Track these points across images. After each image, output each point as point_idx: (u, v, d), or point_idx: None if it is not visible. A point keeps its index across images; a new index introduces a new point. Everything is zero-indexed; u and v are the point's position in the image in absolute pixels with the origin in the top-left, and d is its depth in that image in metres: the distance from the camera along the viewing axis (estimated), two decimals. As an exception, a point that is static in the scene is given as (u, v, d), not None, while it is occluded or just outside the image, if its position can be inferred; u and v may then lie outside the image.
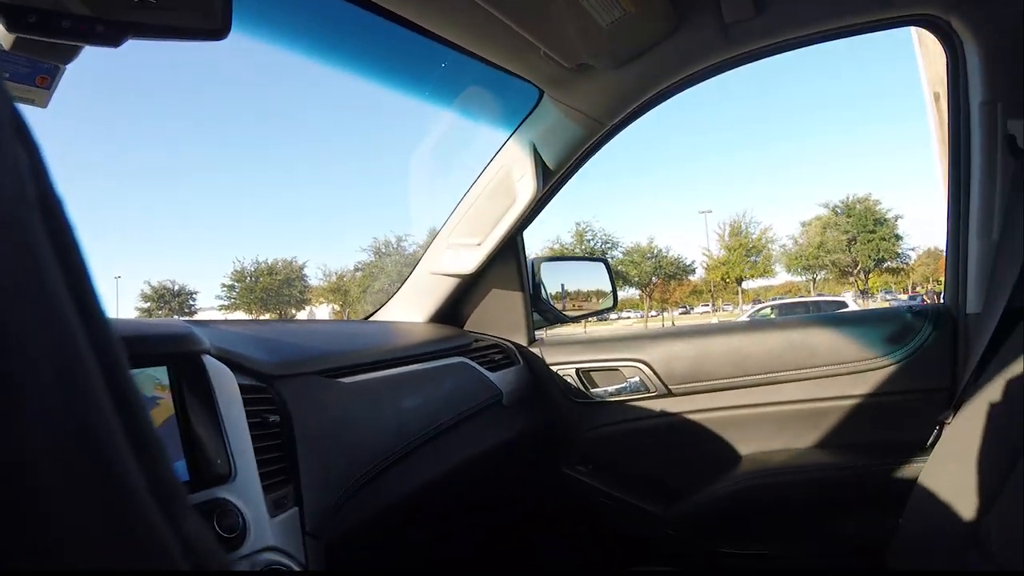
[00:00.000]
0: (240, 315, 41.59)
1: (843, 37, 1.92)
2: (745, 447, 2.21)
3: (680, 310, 48.99)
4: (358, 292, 43.47)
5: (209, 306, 45.22)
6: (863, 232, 40.38)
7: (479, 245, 2.25)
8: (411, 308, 2.40)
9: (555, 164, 2.17)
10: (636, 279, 44.09)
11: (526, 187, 2.12)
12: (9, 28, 0.90)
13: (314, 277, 46.67)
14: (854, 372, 2.08)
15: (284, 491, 1.27)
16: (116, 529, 0.23)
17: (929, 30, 1.88)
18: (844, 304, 28.07)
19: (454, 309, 2.43)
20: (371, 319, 2.47)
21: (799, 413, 2.15)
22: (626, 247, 45.10)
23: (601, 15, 1.64)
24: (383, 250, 44.62)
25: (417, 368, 1.88)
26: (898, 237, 40.09)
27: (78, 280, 0.26)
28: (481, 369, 2.12)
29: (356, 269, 45.45)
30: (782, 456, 2.16)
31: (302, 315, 44.55)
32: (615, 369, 2.31)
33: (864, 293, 41.25)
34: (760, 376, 2.16)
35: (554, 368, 2.37)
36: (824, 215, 41.97)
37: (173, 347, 1.18)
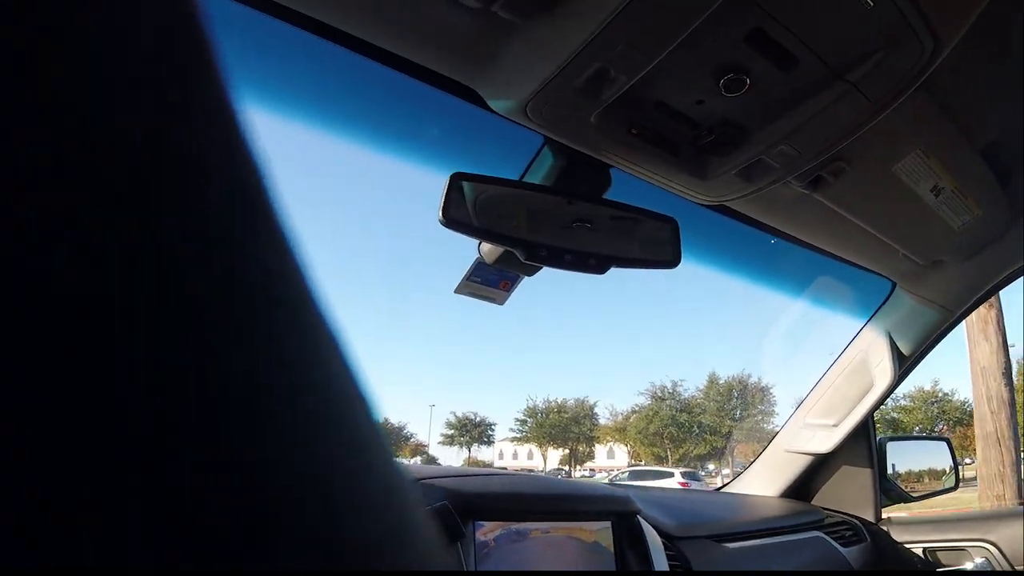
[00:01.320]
0: (531, 447, 46.13)
1: None
2: None
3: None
4: (634, 433, 43.78)
5: (503, 437, 48.75)
6: None
7: (835, 426, 2.36)
8: (765, 482, 2.53)
9: (908, 350, 2.28)
10: (911, 428, 38.36)
11: (883, 373, 2.23)
12: (526, 258, 1.21)
13: (603, 416, 47.88)
14: None
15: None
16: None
17: None
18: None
19: (804, 484, 2.52)
20: (724, 490, 2.64)
21: None
22: (904, 392, 40.88)
23: (954, 220, 1.78)
24: (659, 395, 44.97)
25: (782, 539, 2.02)
26: None
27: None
28: (835, 544, 2.21)
29: (633, 412, 46.04)
30: None
31: (600, 451, 47.29)
32: (962, 549, 2.30)
33: None
34: None
35: (901, 547, 2.39)
36: None
37: (617, 507, 1.45)
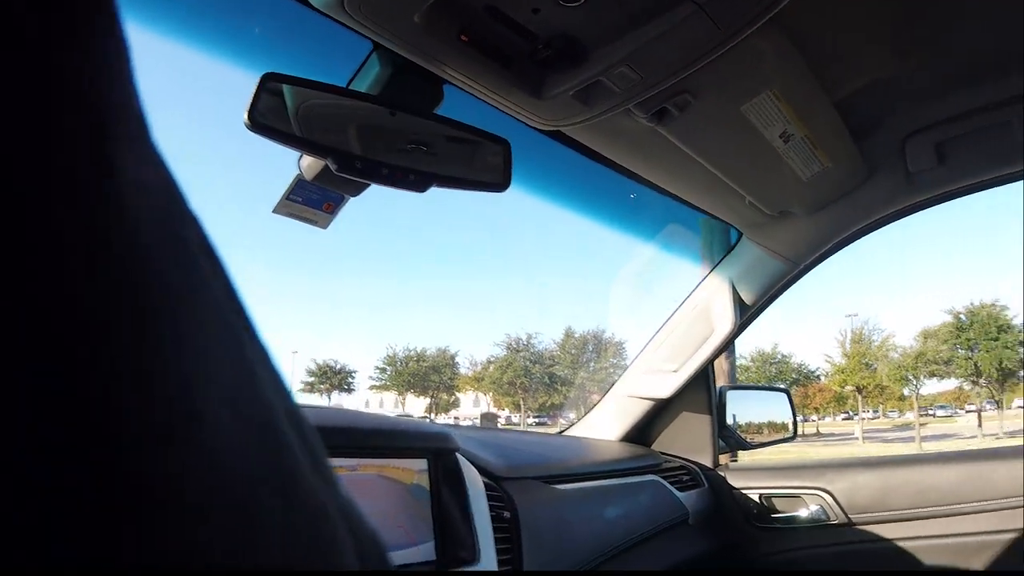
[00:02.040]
0: (390, 396, 47.62)
1: (1019, 180, 1.98)
2: None
3: (843, 416, 47.78)
4: (489, 383, 46.26)
5: (365, 386, 49.49)
6: (985, 340, 37.43)
7: (676, 372, 2.36)
8: (606, 426, 2.52)
9: (750, 300, 2.29)
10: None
11: (724, 321, 2.24)
12: (338, 169, 1.12)
13: (464, 366, 49.89)
14: None
15: (511, 581, 1.43)
16: (282, 487, 0.24)
17: None
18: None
19: (644, 430, 2.53)
20: (566, 434, 2.62)
21: (981, 545, 2.11)
22: (742, 352, 44.18)
23: (803, 170, 1.77)
24: (514, 346, 47.53)
25: (616, 482, 2.01)
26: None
27: (236, 295, 0.27)
28: (671, 488, 2.22)
29: (489, 362, 48.18)
30: None
31: (467, 400, 49.39)
32: (797, 496, 2.36)
33: (999, 404, 38.61)
34: (942, 507, 2.15)
35: (737, 492, 2.44)
36: (948, 321, 39.47)
37: (434, 444, 1.37)
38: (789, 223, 2.09)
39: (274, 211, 1.38)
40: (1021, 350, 36.75)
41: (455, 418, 46.06)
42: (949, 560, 2.15)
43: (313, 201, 1.37)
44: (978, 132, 1.84)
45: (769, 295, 2.31)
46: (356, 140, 1.14)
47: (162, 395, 0.21)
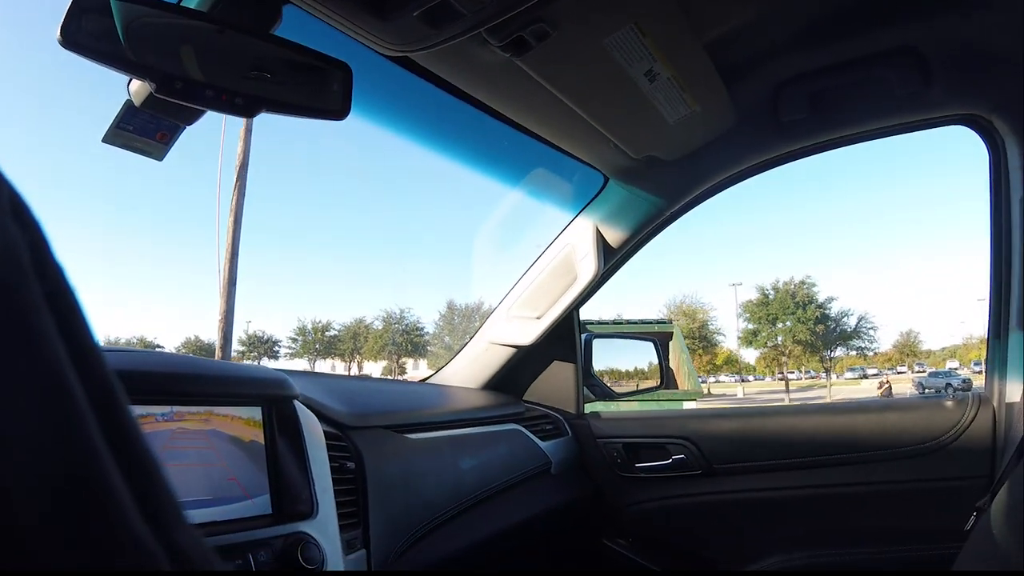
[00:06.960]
0: (302, 363, 52.26)
1: (891, 135, 2.04)
2: (785, 529, 2.23)
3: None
4: (366, 351, 53.67)
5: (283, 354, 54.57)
6: (783, 314, 42.02)
7: (539, 319, 2.32)
8: (468, 374, 2.48)
9: (616, 245, 2.26)
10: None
11: (588, 266, 2.20)
12: (158, 90, 1.01)
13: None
14: (895, 458, 2.11)
15: (354, 533, 1.37)
16: (97, 539, 0.25)
17: (972, 129, 1.96)
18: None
19: (508, 378, 2.49)
20: (428, 381, 2.56)
21: (838, 497, 2.17)
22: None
23: (669, 113, 1.73)
24: (388, 319, 53.95)
25: (474, 431, 1.97)
26: (820, 320, 41.85)
27: (72, 329, 0.29)
28: (533, 437, 2.20)
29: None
30: (821, 539, 2.19)
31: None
32: (661, 446, 2.35)
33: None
34: (802, 459, 2.19)
35: (601, 441, 2.42)
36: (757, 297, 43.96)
37: (269, 390, 1.29)
38: (656, 168, 2.05)
39: (103, 140, 1.26)
40: (813, 324, 41.53)
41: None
42: (810, 511, 2.20)
43: (146, 130, 1.26)
44: (853, 84, 1.85)
45: (635, 241, 2.29)
46: (186, 62, 1.04)
47: None
